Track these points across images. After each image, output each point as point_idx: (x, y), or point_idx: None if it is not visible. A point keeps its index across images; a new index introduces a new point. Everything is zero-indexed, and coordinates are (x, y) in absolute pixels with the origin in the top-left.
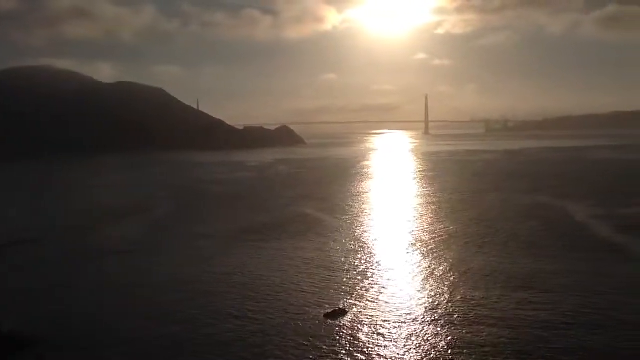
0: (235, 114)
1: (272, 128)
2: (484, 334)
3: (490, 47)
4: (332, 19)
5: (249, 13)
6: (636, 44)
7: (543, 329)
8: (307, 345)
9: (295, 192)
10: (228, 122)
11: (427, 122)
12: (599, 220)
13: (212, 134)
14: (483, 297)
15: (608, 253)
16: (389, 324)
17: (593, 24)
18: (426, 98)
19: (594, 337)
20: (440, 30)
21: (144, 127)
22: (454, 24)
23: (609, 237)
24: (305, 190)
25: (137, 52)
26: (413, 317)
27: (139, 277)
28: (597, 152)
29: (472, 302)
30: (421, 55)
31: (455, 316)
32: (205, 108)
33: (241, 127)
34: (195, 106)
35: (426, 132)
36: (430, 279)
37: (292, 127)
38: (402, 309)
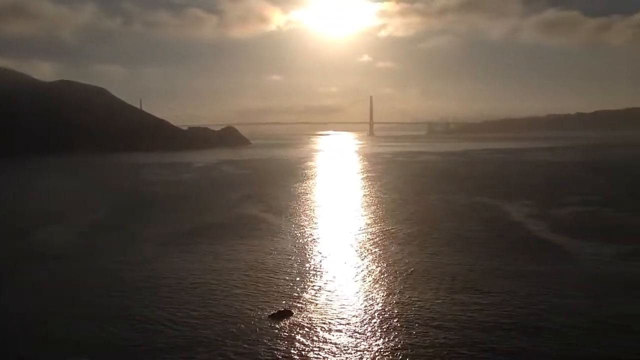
0: (179, 114)
1: (217, 129)
2: (428, 335)
3: (432, 50)
4: (276, 19)
5: (192, 12)
6: (573, 48)
7: (485, 331)
8: (250, 347)
9: (240, 193)
10: (172, 123)
11: (371, 123)
12: (536, 220)
13: (156, 134)
14: (427, 298)
15: (546, 253)
16: (335, 324)
17: (532, 28)
18: (371, 100)
19: (536, 339)
20: (384, 33)
21: (85, 127)
22: (397, 27)
23: (546, 237)
24: (250, 191)
25: (78, 51)
26: (358, 317)
27: (75, 282)
28: (535, 154)
29: (416, 303)
30: (365, 58)
31: (398, 317)
32: (148, 108)
33: (186, 128)
34: (138, 106)
35: (371, 134)
36: (374, 279)
37: (237, 127)
38: (347, 309)
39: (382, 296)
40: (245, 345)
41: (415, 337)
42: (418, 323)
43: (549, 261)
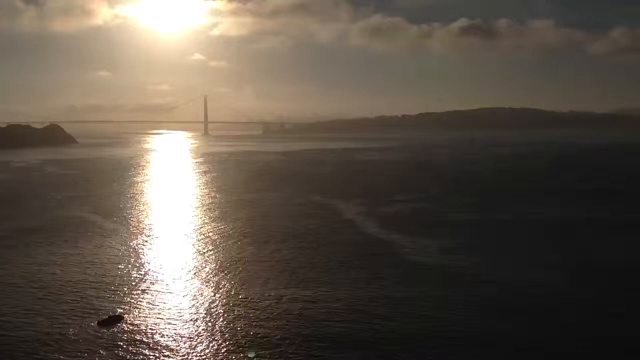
0: None
1: (40, 126)
2: (255, 333)
3: (265, 51)
4: (103, 13)
5: (8, 1)
6: (397, 53)
7: (310, 326)
8: (78, 356)
9: (66, 194)
10: None
11: (206, 122)
12: (368, 217)
13: None
14: (257, 297)
15: (375, 250)
16: (166, 326)
17: (359, 33)
18: (205, 99)
19: (358, 333)
20: (216, 32)
21: None
22: (229, 26)
23: (376, 235)
24: (78, 192)
25: None
26: (190, 318)
27: None
28: (366, 153)
29: (245, 302)
30: (198, 56)
31: (228, 316)
32: None
33: (4, 125)
34: None
35: (205, 133)
36: (206, 280)
37: (62, 125)
38: (179, 310)
39: (214, 296)
40: (72, 354)
41: (243, 334)
42: (246, 321)
43: (378, 258)
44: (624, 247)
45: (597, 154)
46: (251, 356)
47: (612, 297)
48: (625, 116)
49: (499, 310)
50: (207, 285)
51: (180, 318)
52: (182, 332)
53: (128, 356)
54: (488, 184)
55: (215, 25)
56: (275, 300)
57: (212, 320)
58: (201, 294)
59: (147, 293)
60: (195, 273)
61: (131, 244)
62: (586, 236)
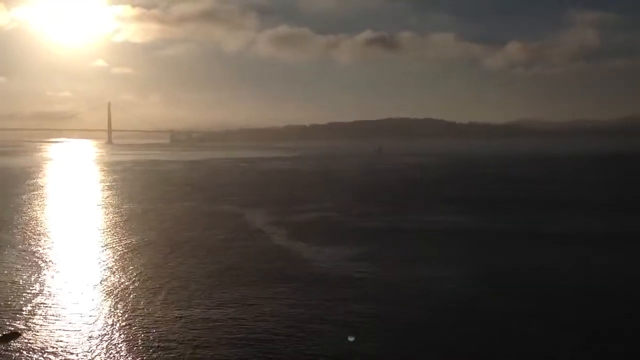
0: None
1: None
2: (170, 352)
3: (171, 58)
4: None
5: None
6: (304, 63)
7: (213, 347)
8: None
9: None
10: None
11: (110, 131)
12: (276, 227)
13: None
14: (159, 314)
15: (283, 260)
16: (66, 341)
17: (266, 42)
18: (109, 106)
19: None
20: (119, 38)
21: None
22: (133, 33)
23: (284, 245)
24: None
25: None
26: (97, 334)
27: None
28: (275, 162)
29: (148, 317)
30: (100, 62)
31: (133, 334)
32: None
33: None
34: None
35: (109, 141)
36: (107, 294)
37: None
38: (79, 325)
39: (114, 312)
40: None
41: (146, 354)
42: (147, 339)
43: (285, 268)
44: (530, 255)
45: (498, 164)
46: None
47: (520, 309)
48: (520, 127)
49: (408, 324)
50: (104, 301)
51: (84, 335)
52: (80, 348)
53: None
54: (396, 193)
55: (118, 31)
56: (176, 322)
57: (108, 337)
58: (98, 310)
59: (48, 309)
60: (101, 287)
61: (27, 257)
62: (493, 245)
